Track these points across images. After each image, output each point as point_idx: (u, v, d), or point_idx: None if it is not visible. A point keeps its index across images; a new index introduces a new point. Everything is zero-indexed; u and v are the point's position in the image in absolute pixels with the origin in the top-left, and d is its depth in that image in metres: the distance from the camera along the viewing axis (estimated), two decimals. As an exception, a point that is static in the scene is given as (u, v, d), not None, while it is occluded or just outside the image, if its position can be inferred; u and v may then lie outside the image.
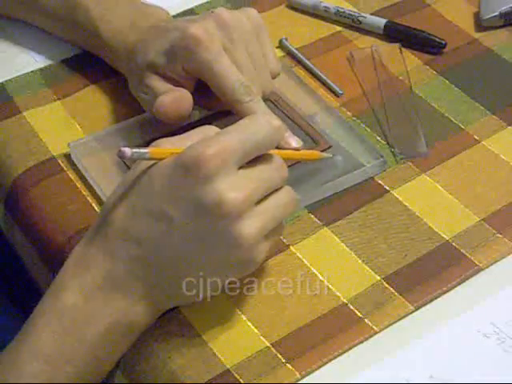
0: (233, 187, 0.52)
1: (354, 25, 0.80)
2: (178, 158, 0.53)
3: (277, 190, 0.56)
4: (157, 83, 0.65)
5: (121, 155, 0.52)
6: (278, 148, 0.62)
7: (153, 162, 0.54)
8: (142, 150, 0.53)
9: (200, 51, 0.62)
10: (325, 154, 0.66)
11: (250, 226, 0.53)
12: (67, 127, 0.72)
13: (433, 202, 0.65)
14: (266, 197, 0.55)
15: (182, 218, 0.53)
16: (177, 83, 0.65)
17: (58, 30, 0.78)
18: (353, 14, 0.80)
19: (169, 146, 0.55)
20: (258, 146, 0.55)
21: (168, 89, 0.65)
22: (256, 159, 0.55)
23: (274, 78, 0.68)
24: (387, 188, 0.66)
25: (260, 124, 0.55)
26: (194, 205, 0.52)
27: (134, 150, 0.52)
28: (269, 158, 0.56)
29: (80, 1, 0.73)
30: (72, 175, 0.68)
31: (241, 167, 0.54)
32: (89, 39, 0.74)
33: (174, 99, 0.64)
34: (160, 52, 0.65)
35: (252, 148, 0.54)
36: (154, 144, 0.56)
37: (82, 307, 0.55)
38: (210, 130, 0.56)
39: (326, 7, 0.81)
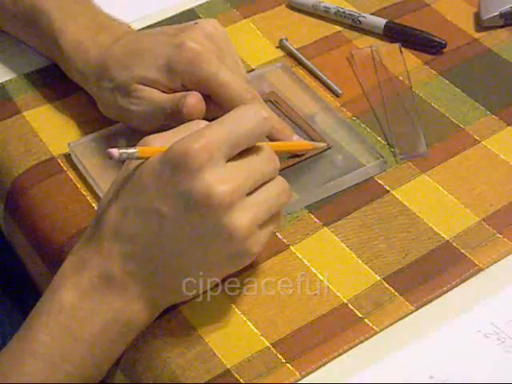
0: (221, 180, 0.52)
1: (354, 25, 0.80)
2: (165, 154, 0.53)
3: (269, 181, 0.56)
4: (154, 94, 0.64)
5: (109, 156, 0.52)
6: (271, 140, 0.63)
7: (142, 161, 0.54)
8: (131, 150, 0.53)
9: (203, 64, 0.63)
10: (318, 144, 0.67)
11: (242, 217, 0.53)
12: (67, 127, 0.72)
13: (433, 201, 0.65)
14: (257, 188, 0.55)
15: (172, 214, 0.53)
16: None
17: (23, 36, 0.77)
18: (353, 14, 0.80)
19: (157, 142, 0.55)
20: (245, 138, 0.55)
21: (171, 96, 0.64)
22: (245, 151, 0.55)
23: None
24: (387, 188, 0.66)
25: (248, 115, 0.55)
26: (183, 199, 0.53)
27: (122, 151, 0.52)
28: (258, 149, 0.56)
29: (42, 8, 0.72)
30: (72, 175, 0.68)
31: (230, 159, 0.54)
32: (49, 49, 0.73)
33: (199, 98, 0.63)
34: (154, 67, 0.64)
35: (240, 139, 0.54)
36: (142, 141, 0.56)
37: (79, 306, 0.55)
38: (197, 124, 0.56)
39: (325, 7, 0.81)
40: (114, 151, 0.52)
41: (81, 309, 0.55)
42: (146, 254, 0.55)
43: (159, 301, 0.57)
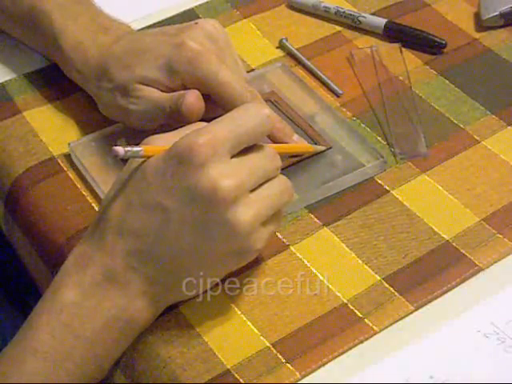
0: (226, 174, 0.53)
1: (354, 25, 0.80)
2: (170, 150, 0.54)
3: (271, 179, 0.56)
4: (154, 93, 0.65)
5: (114, 154, 0.52)
6: (271, 139, 0.64)
7: (145, 159, 0.55)
8: (136, 149, 0.54)
9: (203, 64, 0.63)
10: (318, 147, 0.67)
11: (246, 213, 0.53)
12: (67, 127, 0.72)
13: (433, 202, 0.65)
14: (260, 185, 0.55)
15: (177, 208, 0.53)
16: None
17: (23, 36, 0.77)
18: (353, 14, 0.80)
19: (160, 142, 0.55)
20: (249, 135, 0.55)
21: (170, 96, 0.64)
22: (248, 148, 0.56)
23: None
24: (387, 188, 0.66)
25: (250, 113, 0.56)
26: (188, 193, 0.53)
27: (127, 149, 0.53)
28: (260, 147, 0.57)
29: (42, 8, 0.72)
30: (72, 175, 0.68)
31: (233, 156, 0.54)
32: (49, 49, 0.73)
33: (198, 97, 0.63)
34: (154, 67, 0.64)
35: (243, 137, 0.55)
36: (145, 141, 0.56)
37: (81, 303, 0.55)
38: (199, 125, 0.57)
39: (326, 7, 0.81)
40: (120, 149, 0.53)
41: (83, 307, 0.55)
42: (150, 250, 0.55)
43: (161, 299, 0.57)
